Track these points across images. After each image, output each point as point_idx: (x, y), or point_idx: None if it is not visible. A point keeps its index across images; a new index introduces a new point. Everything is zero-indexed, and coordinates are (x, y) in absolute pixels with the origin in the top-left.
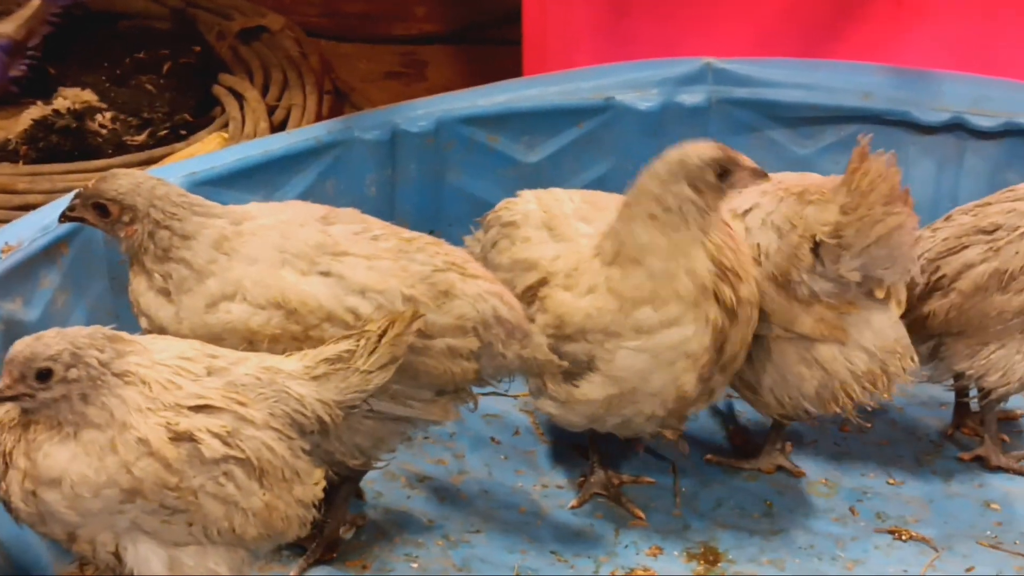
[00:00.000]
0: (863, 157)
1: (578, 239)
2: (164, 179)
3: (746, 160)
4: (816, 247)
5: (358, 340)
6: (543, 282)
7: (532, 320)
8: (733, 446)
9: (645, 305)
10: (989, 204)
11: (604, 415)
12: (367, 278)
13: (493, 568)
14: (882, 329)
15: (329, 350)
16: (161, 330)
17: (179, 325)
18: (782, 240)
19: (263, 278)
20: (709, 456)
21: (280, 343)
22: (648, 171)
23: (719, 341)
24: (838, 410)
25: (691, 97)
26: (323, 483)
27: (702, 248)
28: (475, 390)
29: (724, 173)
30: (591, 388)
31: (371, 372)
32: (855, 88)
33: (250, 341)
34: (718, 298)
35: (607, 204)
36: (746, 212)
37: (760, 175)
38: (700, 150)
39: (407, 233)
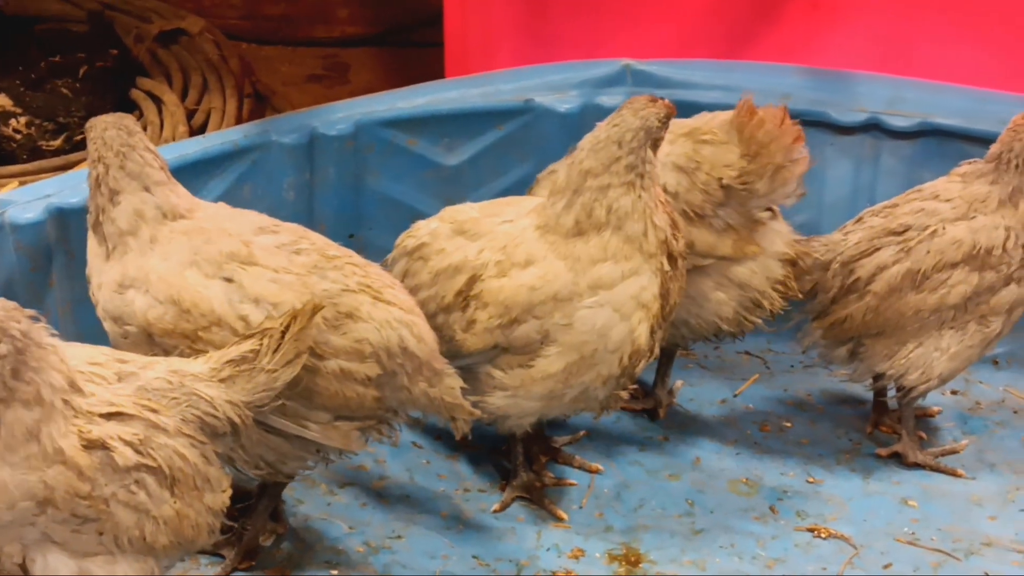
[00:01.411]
0: (752, 110)
1: (497, 228)
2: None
3: (668, 102)
4: (724, 186)
5: (261, 339)
6: (473, 280)
7: (472, 322)
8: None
9: (605, 262)
10: (897, 205)
11: (563, 389)
12: (265, 289)
13: (414, 573)
14: (783, 232)
15: (233, 351)
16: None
17: (99, 292)
18: (690, 179)
19: (167, 275)
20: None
21: (172, 339)
22: (614, 140)
23: (665, 291)
24: (756, 322)
25: (611, 99)
26: (230, 491)
27: (659, 204)
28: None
29: (666, 124)
30: (549, 362)
31: (277, 370)
32: (773, 89)
33: (147, 333)
34: (669, 250)
35: (508, 201)
36: None
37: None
38: (653, 109)
39: (336, 251)
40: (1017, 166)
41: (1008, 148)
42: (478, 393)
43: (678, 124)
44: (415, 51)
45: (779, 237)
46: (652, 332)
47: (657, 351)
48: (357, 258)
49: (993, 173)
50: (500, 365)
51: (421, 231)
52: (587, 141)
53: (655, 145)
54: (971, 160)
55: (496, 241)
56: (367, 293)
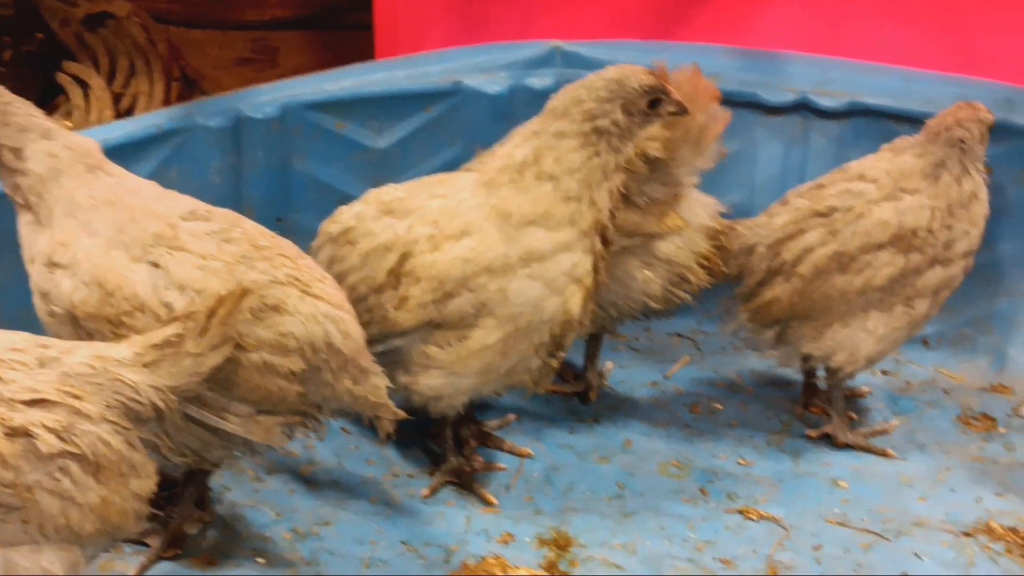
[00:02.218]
0: (665, 75)
1: (427, 204)
2: None
3: (675, 91)
4: (648, 161)
5: (186, 323)
6: (405, 257)
7: (405, 299)
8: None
9: (535, 227)
10: (823, 187)
11: (499, 361)
12: (190, 276)
13: (342, 560)
14: (706, 204)
15: (158, 335)
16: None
17: (31, 266)
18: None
19: (93, 254)
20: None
21: (95, 323)
22: (584, 85)
23: (596, 269)
24: (685, 297)
25: (540, 80)
26: (156, 477)
27: (607, 181)
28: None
29: (655, 102)
30: (485, 334)
31: (203, 354)
32: (703, 70)
33: (72, 315)
34: (603, 232)
35: (438, 179)
36: None
37: (684, 110)
38: (640, 74)
39: (267, 241)
40: (946, 140)
41: (943, 125)
42: (411, 375)
43: None
44: (346, 34)
45: (703, 210)
46: (584, 304)
47: (587, 323)
48: (289, 249)
49: (921, 146)
50: (434, 342)
51: (345, 216)
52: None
53: (628, 110)
54: (905, 137)
55: (427, 216)
56: (295, 286)
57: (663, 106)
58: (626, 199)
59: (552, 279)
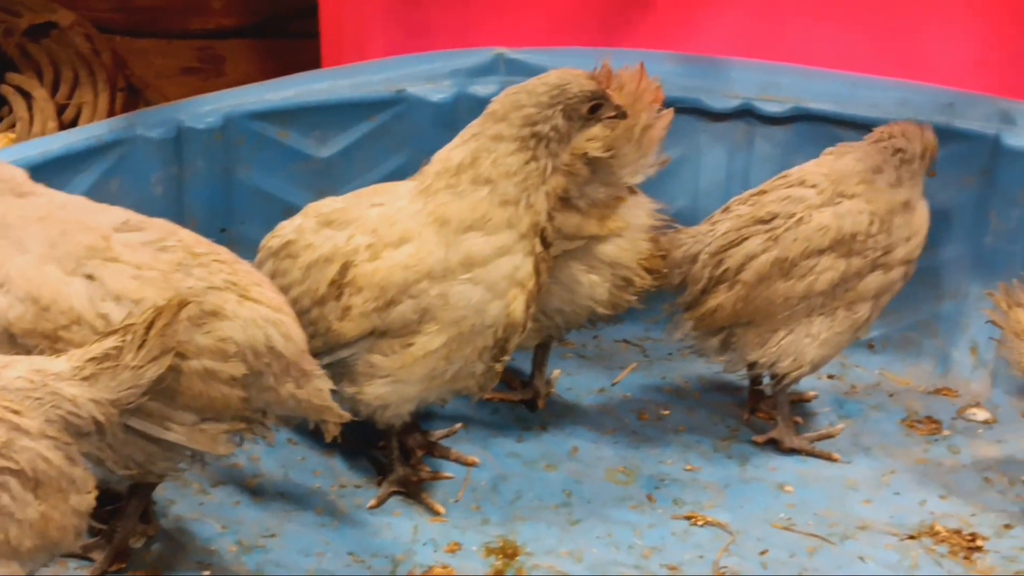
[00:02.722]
0: (610, 75)
1: (366, 213)
2: None
3: (615, 96)
4: (589, 162)
5: (124, 335)
6: (346, 267)
7: (348, 309)
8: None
9: (474, 231)
10: (764, 192)
11: (444, 367)
12: (125, 286)
13: (288, 572)
14: (645, 205)
15: (95, 348)
16: None
17: None
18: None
19: (26, 270)
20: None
21: (32, 338)
22: (525, 89)
23: (537, 271)
24: (631, 300)
25: (484, 88)
26: (95, 492)
27: (545, 184)
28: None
29: (596, 107)
30: (429, 339)
31: (142, 366)
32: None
33: (9, 333)
34: (543, 234)
35: (376, 188)
36: None
37: (623, 114)
38: (581, 80)
39: (203, 248)
40: (885, 147)
41: (887, 132)
42: (358, 385)
43: None
44: (292, 42)
45: (642, 210)
46: (527, 307)
47: (530, 325)
48: (226, 255)
49: (862, 150)
50: (379, 350)
51: (285, 230)
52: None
53: (569, 116)
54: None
55: (366, 225)
56: (233, 291)
57: (603, 111)
58: (567, 201)
59: (493, 283)
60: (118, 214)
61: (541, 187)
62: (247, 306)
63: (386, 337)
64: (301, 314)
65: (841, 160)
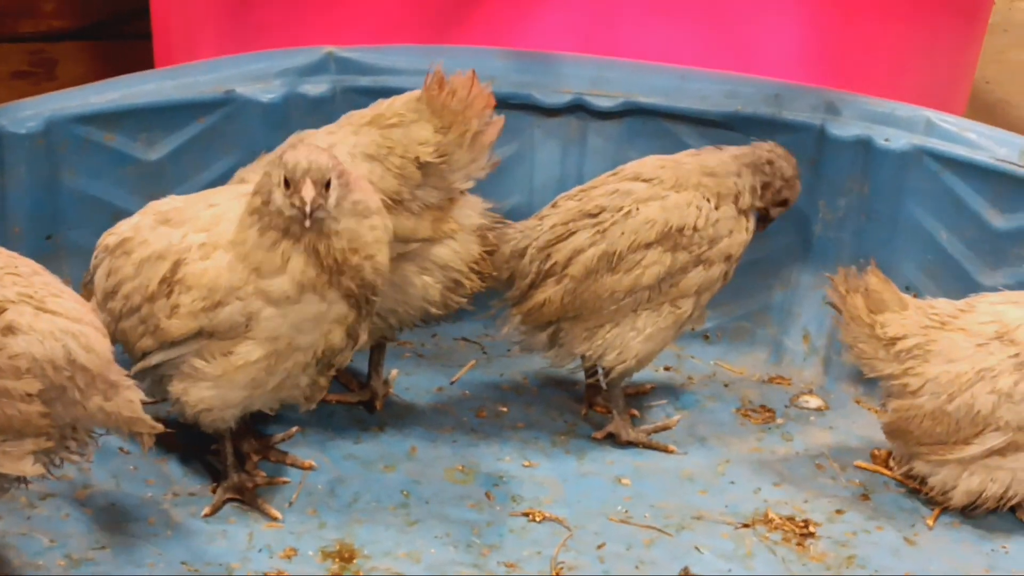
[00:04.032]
0: (442, 81)
1: (202, 213)
2: None
3: (307, 191)
4: (421, 166)
5: None
6: (177, 265)
7: (176, 307)
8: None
9: (283, 277)
10: (594, 187)
11: (265, 378)
12: None
13: None
14: (475, 203)
15: None
16: None
17: None
18: (383, 165)
19: None
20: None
21: None
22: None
23: (360, 306)
24: (461, 301)
25: (315, 87)
26: None
27: (292, 249)
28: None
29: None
30: (249, 350)
31: None
32: (478, 73)
33: None
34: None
35: (218, 189)
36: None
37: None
38: (295, 158)
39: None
40: (760, 157)
41: (761, 150)
42: (183, 386)
43: (358, 115)
44: (126, 44)
45: (474, 211)
46: (348, 335)
47: (365, 337)
48: (25, 267)
49: (709, 152)
50: (203, 354)
51: (123, 227)
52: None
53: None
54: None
55: (200, 224)
56: (29, 303)
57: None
58: (400, 204)
59: (299, 323)
60: None
61: (286, 254)
62: (44, 318)
63: (214, 339)
64: (132, 311)
65: (680, 158)
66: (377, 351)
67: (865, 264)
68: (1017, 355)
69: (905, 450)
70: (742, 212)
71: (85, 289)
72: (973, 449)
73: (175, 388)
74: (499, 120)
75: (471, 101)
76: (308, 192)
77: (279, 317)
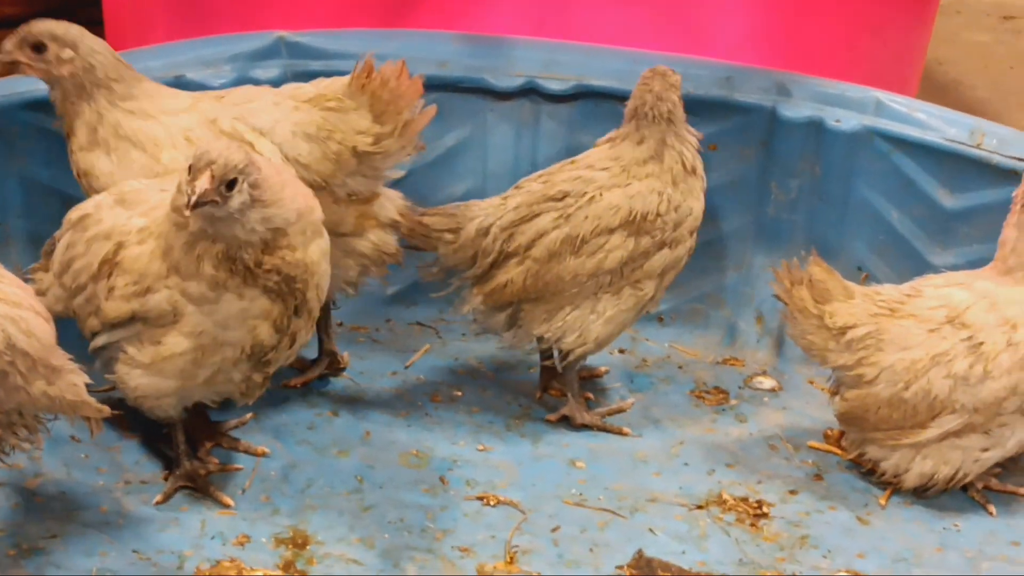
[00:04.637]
0: (371, 69)
1: (153, 197)
2: None
3: (202, 182)
4: (357, 155)
5: None
6: (119, 247)
7: (112, 289)
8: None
9: (191, 279)
10: (554, 173)
11: (194, 370)
12: None
13: (69, 573)
14: (394, 196)
15: None
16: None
17: None
18: (321, 148)
19: None
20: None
21: None
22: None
23: (288, 303)
24: (365, 283)
25: (266, 72)
26: None
27: (206, 251)
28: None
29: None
30: (176, 341)
31: None
32: (431, 57)
33: None
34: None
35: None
36: (271, 130)
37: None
38: (207, 147)
39: None
40: (654, 117)
41: (641, 102)
42: (121, 371)
43: (301, 91)
44: None
45: (392, 205)
46: (279, 329)
47: (305, 338)
48: None
49: (636, 132)
50: (135, 341)
51: (88, 203)
52: None
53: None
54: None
55: (145, 208)
56: None
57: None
58: (326, 189)
59: (224, 320)
60: None
61: (204, 255)
62: None
63: (148, 326)
64: (80, 289)
65: (619, 147)
66: (321, 316)
67: (818, 246)
68: (970, 338)
69: (859, 436)
70: (692, 172)
71: (45, 257)
72: (929, 433)
73: (117, 372)
74: (430, 109)
75: (402, 91)
76: (202, 183)
77: (201, 314)
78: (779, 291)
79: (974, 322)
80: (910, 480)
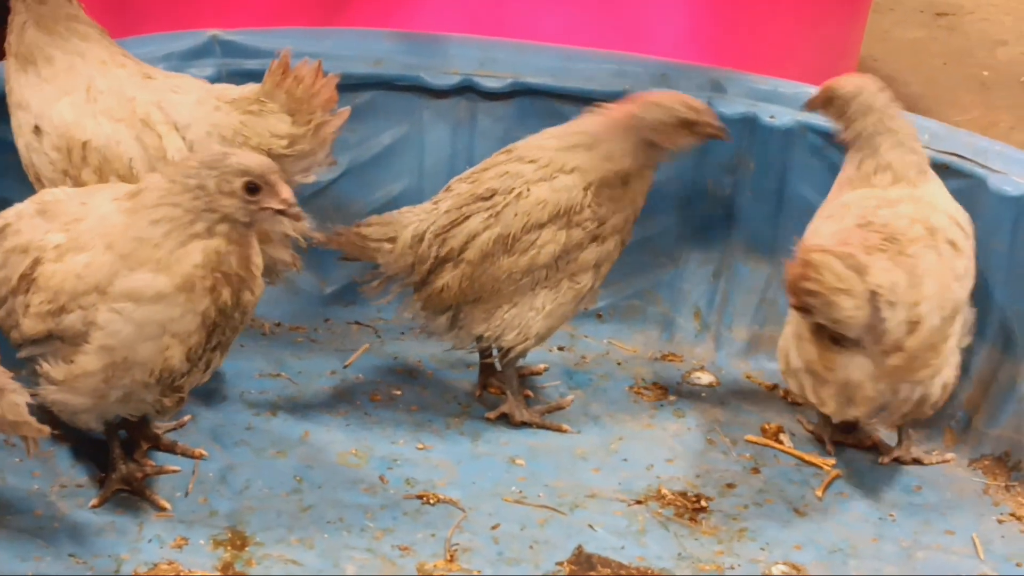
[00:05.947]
0: (286, 68)
1: (72, 210)
2: None
3: (286, 190)
4: (273, 157)
5: None
6: (36, 262)
7: (27, 306)
8: None
9: (136, 267)
10: (485, 170)
11: (107, 389)
12: None
13: None
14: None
15: None
16: None
17: None
18: None
19: None
20: None
21: None
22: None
23: (210, 331)
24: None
25: (200, 71)
26: None
27: (202, 245)
28: None
29: (254, 189)
30: (87, 360)
31: None
32: (365, 55)
33: None
34: (215, 297)
35: (106, 185)
36: (186, 127)
37: (295, 216)
38: (252, 160)
39: None
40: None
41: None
42: (41, 385)
43: (227, 91)
44: (6, 29)
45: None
46: (191, 358)
47: (217, 365)
48: None
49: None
50: (50, 358)
51: (10, 211)
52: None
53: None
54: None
55: (63, 222)
56: None
57: (261, 194)
58: None
59: (143, 325)
60: None
61: (191, 248)
62: None
63: (64, 344)
64: (2, 301)
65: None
66: None
67: (753, 242)
68: (953, 243)
69: (895, 382)
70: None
71: None
72: (951, 342)
73: (40, 385)
74: (344, 112)
75: (316, 91)
76: (287, 189)
77: (120, 322)
78: (809, 290)
79: (942, 228)
80: (937, 394)
